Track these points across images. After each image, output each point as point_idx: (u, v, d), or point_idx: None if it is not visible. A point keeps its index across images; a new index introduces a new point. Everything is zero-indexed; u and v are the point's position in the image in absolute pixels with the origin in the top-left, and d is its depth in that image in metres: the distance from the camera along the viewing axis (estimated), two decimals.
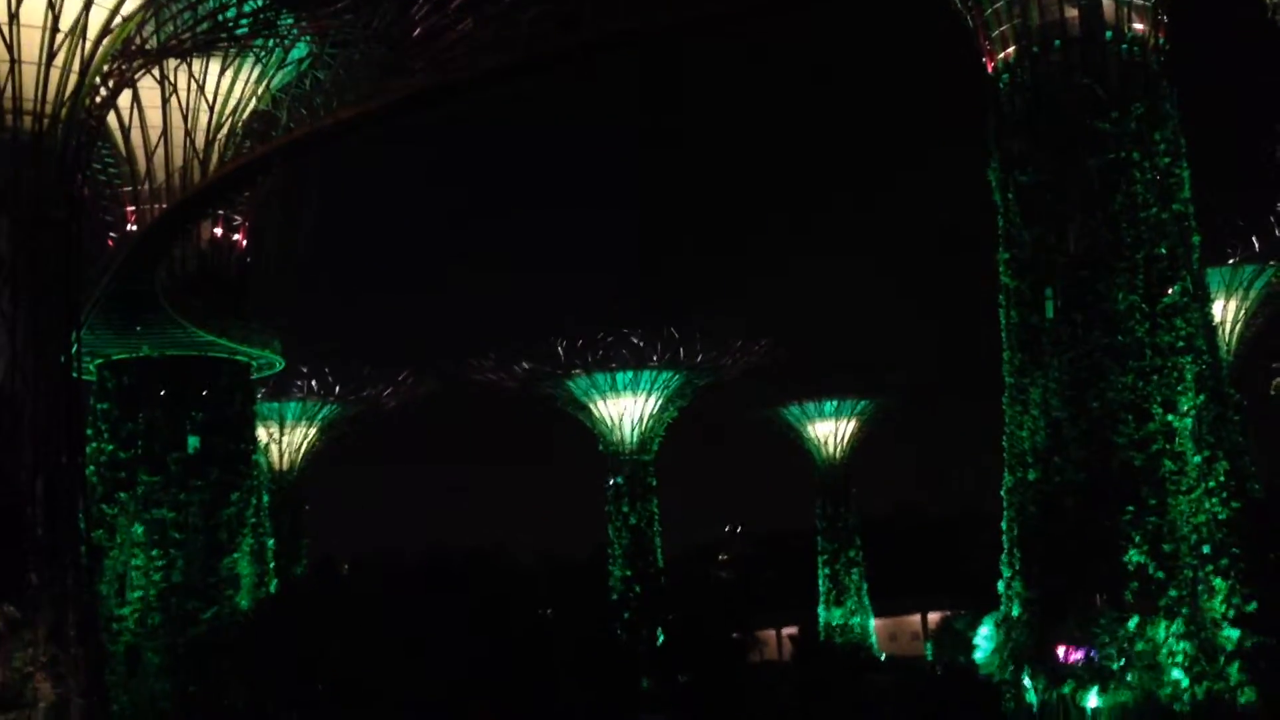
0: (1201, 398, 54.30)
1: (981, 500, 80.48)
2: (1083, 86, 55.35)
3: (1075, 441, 53.73)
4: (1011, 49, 57.14)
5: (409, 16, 48.26)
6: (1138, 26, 56.17)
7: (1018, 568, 55.18)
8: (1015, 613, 54.86)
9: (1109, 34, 55.61)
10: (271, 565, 65.47)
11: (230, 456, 59.78)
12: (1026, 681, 52.88)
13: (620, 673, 64.52)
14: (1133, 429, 53.27)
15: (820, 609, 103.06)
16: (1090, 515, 52.70)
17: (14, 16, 38.05)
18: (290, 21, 49.28)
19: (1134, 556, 51.94)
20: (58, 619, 36.41)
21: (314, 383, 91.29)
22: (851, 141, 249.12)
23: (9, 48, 38.20)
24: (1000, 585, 56.29)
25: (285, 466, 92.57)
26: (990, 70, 58.48)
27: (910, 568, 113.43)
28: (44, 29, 38.50)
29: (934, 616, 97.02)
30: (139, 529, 57.23)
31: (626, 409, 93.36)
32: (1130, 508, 52.37)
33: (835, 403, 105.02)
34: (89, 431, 55.57)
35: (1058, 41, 55.78)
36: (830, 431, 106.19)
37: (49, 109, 39.04)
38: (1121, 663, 50.93)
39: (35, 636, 35.58)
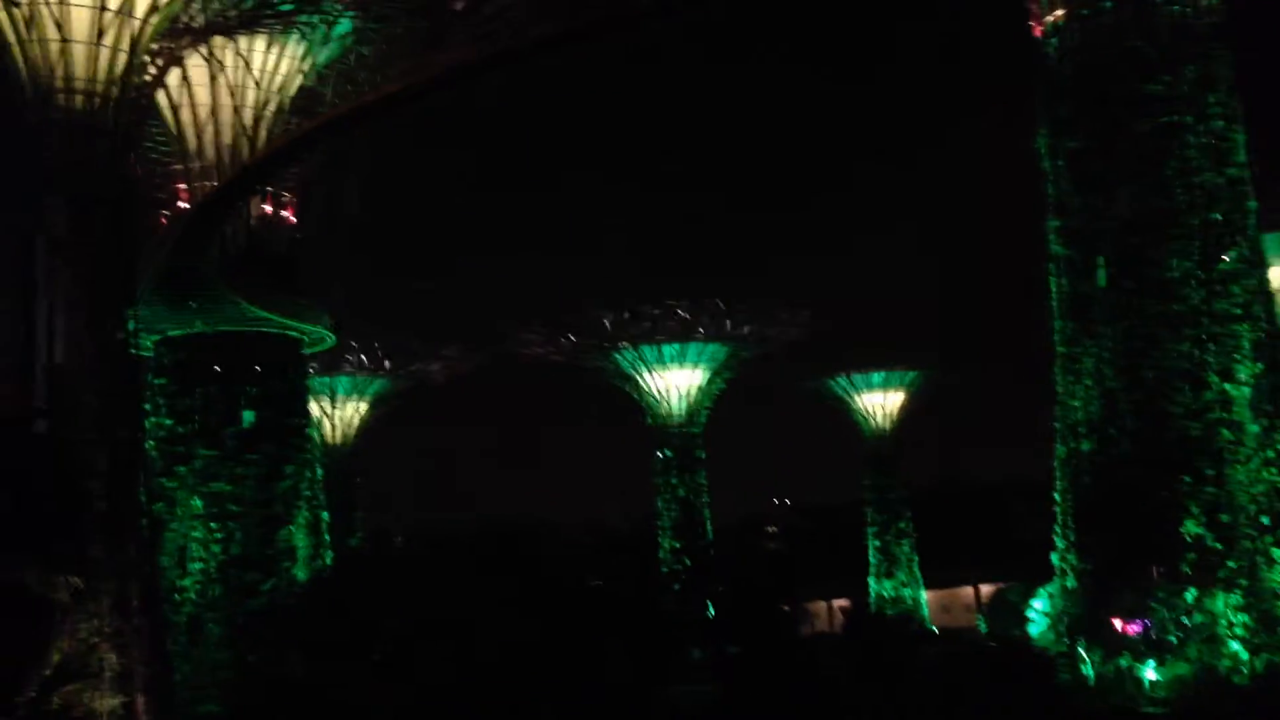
0: (1259, 366, 53.36)
1: (1033, 469, 79.87)
2: (1134, 49, 54.38)
3: (1129, 412, 53.09)
4: (1060, 11, 56.22)
5: None
6: None
7: (1072, 539, 54.72)
8: (1070, 585, 54.45)
9: None
10: (326, 538, 66.27)
11: (284, 431, 60.44)
12: (1082, 654, 52.52)
13: (669, 644, 64.79)
14: (1189, 398, 52.52)
15: (871, 581, 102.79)
16: (1146, 486, 52.10)
17: None
18: None
19: (1191, 527, 51.32)
20: (121, 591, 37.21)
21: (364, 357, 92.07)
22: (892, 115, 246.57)
23: (59, 27, 38.73)
24: (1054, 557, 55.86)
25: (338, 440, 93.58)
26: (1038, 34, 57.59)
27: (962, 539, 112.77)
28: (93, 8, 38.98)
29: (987, 588, 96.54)
30: (198, 502, 58.08)
31: (673, 381, 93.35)
32: (1187, 478, 51.71)
33: (883, 373, 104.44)
34: (147, 407, 56.37)
35: (1108, 3, 54.79)
36: (878, 402, 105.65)
37: (100, 88, 39.56)
38: (1179, 635, 50.42)
39: (99, 608, 36.38)
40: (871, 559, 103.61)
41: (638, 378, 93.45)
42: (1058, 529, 55.73)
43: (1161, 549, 51.49)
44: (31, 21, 38.61)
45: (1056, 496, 56.16)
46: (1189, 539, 51.23)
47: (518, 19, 45.01)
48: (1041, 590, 57.33)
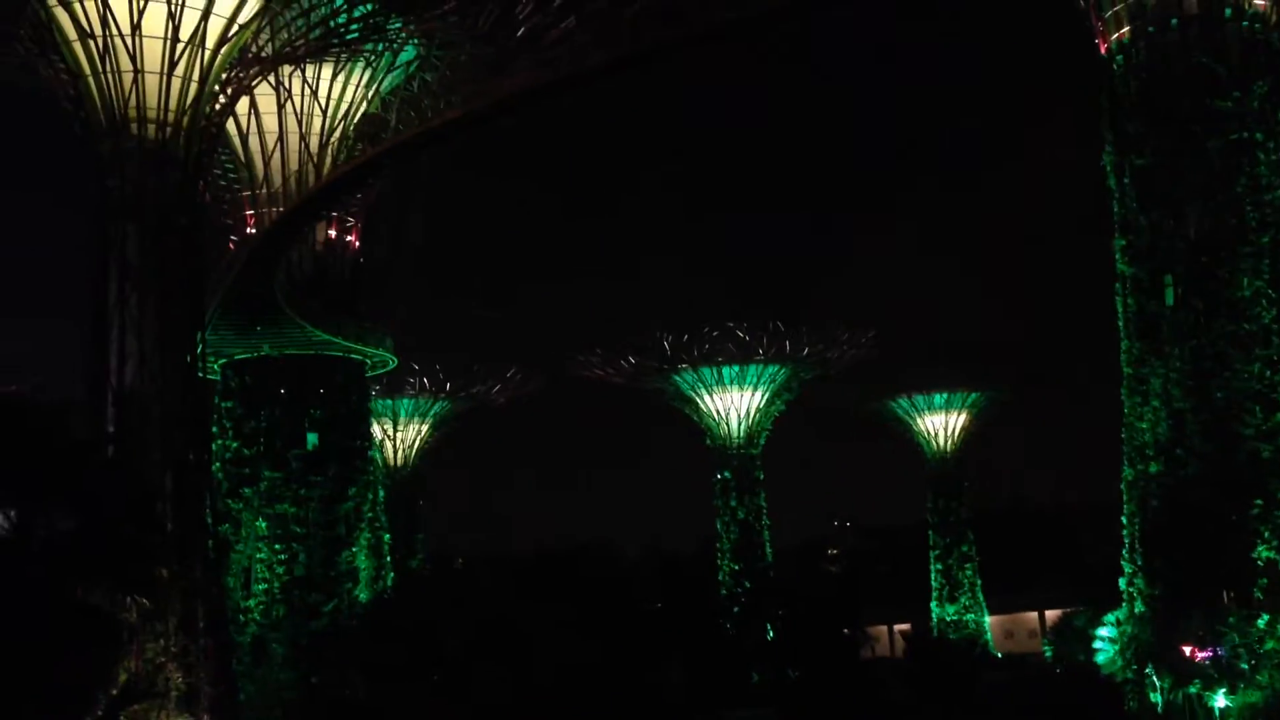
0: None
1: (1099, 492, 78.67)
2: (1202, 66, 53.58)
3: (1199, 433, 52.07)
4: (1126, 29, 55.58)
5: (513, 16, 49.00)
6: (1258, 2, 54.16)
7: (1140, 564, 53.69)
8: (1138, 610, 53.41)
9: (1228, 11, 53.74)
10: (388, 559, 66.83)
11: (347, 453, 61.09)
12: (1151, 681, 51.46)
13: (729, 667, 64.48)
14: (1260, 419, 51.43)
15: (933, 605, 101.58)
16: (1216, 509, 51.02)
17: (136, 28, 39.58)
18: (399, 25, 50.37)
19: (1263, 552, 50.17)
20: (187, 611, 37.72)
21: (425, 380, 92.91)
22: (953, 125, 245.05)
23: (132, 58, 39.73)
24: (1122, 582, 54.85)
25: (399, 462, 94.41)
26: (1104, 52, 56.96)
27: (1026, 562, 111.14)
28: (165, 39, 39.97)
29: (1052, 613, 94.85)
30: (262, 524, 58.84)
31: (733, 403, 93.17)
32: (1258, 501, 50.61)
33: (945, 395, 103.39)
34: (214, 429, 57.33)
35: (1174, 20, 54.06)
36: (940, 424, 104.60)
37: (171, 117, 40.52)
38: (1251, 662, 49.24)
39: (166, 628, 36.87)
40: (934, 583, 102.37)
41: (697, 400, 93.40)
42: (1125, 553, 54.72)
43: (1232, 574, 50.35)
44: (106, 53, 39.64)
45: (1124, 520, 55.19)
46: (1260, 563, 50.07)
47: (580, 44, 45.46)
48: (1109, 616, 56.28)
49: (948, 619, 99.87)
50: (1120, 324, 55.97)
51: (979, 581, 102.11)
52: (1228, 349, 52.09)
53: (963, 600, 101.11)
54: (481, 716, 47.24)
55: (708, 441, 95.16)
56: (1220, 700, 49.36)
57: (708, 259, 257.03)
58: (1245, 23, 53.88)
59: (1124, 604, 54.76)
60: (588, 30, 46.29)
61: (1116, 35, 55.98)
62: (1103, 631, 56.15)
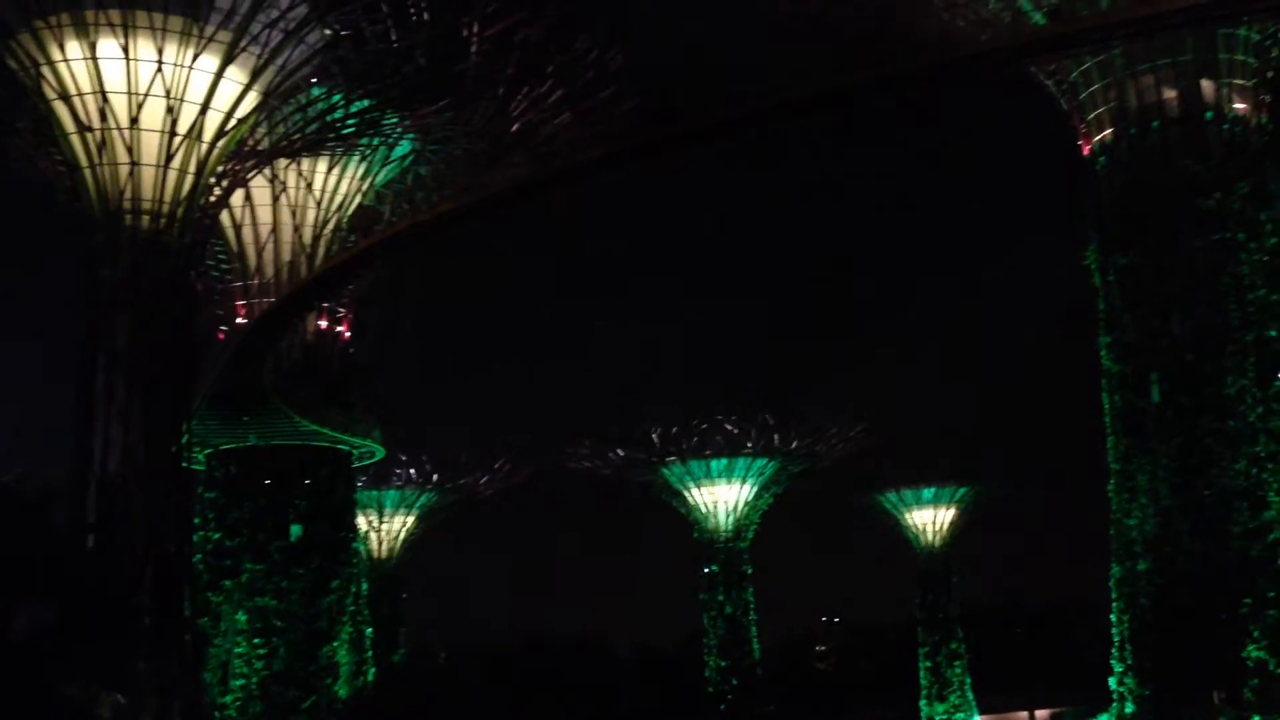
0: None
1: (1089, 589, 78.07)
2: (1184, 167, 54.55)
3: (1187, 531, 51.94)
4: (1109, 131, 56.66)
5: (507, 112, 49.77)
6: (1239, 106, 55.35)
7: (1130, 663, 53.19)
8: (1129, 710, 52.76)
9: (1209, 114, 54.87)
10: (369, 654, 65.72)
11: (331, 545, 60.35)
12: None
13: None
14: (1247, 517, 51.36)
15: (922, 703, 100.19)
16: (1205, 608, 50.72)
17: (134, 121, 40.06)
18: (395, 120, 51.04)
19: (1253, 651, 49.74)
20: (163, 707, 36.95)
21: (412, 471, 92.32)
22: (942, 226, 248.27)
23: (129, 151, 40.16)
24: (1112, 681, 54.30)
25: (384, 554, 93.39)
26: (1087, 153, 58.01)
27: (1016, 660, 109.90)
28: (163, 133, 40.43)
29: (1042, 713, 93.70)
30: (242, 617, 57.89)
31: (721, 496, 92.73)
32: (1248, 600, 50.34)
33: (934, 489, 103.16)
34: (196, 520, 56.67)
35: (1156, 123, 55.16)
36: (929, 519, 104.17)
37: (166, 208, 40.82)
38: None
39: None
40: (923, 681, 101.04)
41: (685, 492, 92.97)
42: (1115, 652, 54.23)
43: (1223, 673, 49.87)
44: (103, 146, 40.08)
45: (1113, 618, 54.78)
46: (1251, 663, 49.62)
47: (574, 140, 46.11)
48: (1100, 716, 55.56)
49: (937, 717, 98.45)
50: (1107, 420, 56.17)
51: (968, 679, 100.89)
52: (1214, 446, 52.20)
53: (952, 699, 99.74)
54: None
55: (695, 534, 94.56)
56: None
57: (701, 344, 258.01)
58: (1226, 125, 54.98)
59: (1114, 703, 54.11)
60: (582, 126, 47.02)
61: (1099, 137, 57.04)
62: None
